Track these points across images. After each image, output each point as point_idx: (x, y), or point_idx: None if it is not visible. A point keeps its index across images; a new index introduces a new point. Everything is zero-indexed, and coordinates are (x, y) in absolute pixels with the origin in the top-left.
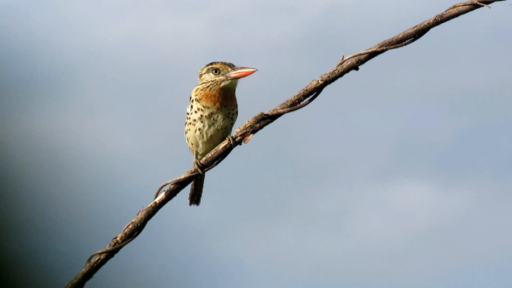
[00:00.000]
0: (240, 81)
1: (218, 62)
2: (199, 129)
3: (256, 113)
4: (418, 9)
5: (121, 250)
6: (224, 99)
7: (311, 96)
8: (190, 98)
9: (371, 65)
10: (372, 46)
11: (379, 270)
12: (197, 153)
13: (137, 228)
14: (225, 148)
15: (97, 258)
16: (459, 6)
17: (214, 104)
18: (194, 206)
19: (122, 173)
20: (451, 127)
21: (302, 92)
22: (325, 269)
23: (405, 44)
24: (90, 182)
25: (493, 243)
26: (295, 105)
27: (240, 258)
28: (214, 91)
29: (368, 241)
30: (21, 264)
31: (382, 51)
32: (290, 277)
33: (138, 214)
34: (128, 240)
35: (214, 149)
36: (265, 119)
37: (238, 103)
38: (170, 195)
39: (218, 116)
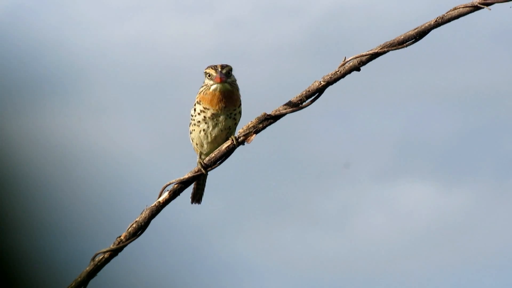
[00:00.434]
0: (243, 82)
1: (209, 67)
2: (204, 130)
3: (260, 113)
4: (419, 11)
5: (125, 249)
6: (220, 101)
7: (313, 97)
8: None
9: (374, 66)
10: (374, 47)
11: (381, 268)
12: (201, 153)
13: (141, 227)
14: (228, 148)
15: (101, 257)
16: (459, 8)
17: (213, 106)
18: (197, 205)
19: (126, 173)
20: (453, 127)
21: (304, 93)
22: (327, 267)
23: (406, 46)
24: (95, 181)
25: (495, 242)
26: (297, 105)
27: (243, 257)
28: (208, 95)
29: (370, 240)
30: (26, 262)
31: (384, 52)
32: (293, 275)
33: (142, 213)
34: (132, 239)
35: (217, 149)
36: (268, 120)
37: (242, 103)
38: (174, 194)
39: (220, 117)
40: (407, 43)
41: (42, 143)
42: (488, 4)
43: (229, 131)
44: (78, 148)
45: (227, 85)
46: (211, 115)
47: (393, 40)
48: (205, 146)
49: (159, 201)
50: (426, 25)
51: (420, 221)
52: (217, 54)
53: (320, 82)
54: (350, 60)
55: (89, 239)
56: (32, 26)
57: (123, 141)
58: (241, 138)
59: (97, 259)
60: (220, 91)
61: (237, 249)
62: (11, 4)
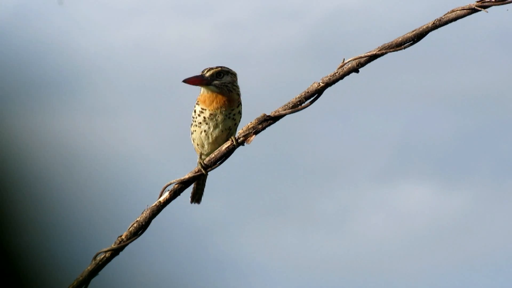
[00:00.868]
0: (243, 84)
1: (203, 70)
2: (205, 130)
3: (260, 114)
4: (417, 13)
5: (126, 248)
6: (213, 102)
7: (312, 98)
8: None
9: (374, 67)
10: (373, 49)
11: (380, 269)
12: (201, 154)
13: (142, 227)
14: (228, 148)
15: (102, 256)
16: (457, 10)
17: (207, 106)
18: (197, 206)
19: (127, 173)
20: (451, 129)
21: (303, 94)
22: (327, 268)
23: (405, 48)
24: (97, 181)
25: (493, 243)
26: (296, 106)
27: (243, 257)
28: (202, 96)
29: (370, 240)
30: (28, 261)
31: (382, 54)
32: (293, 275)
33: (142, 213)
34: (133, 238)
35: (217, 150)
36: (267, 121)
37: (244, 105)
38: (174, 194)
39: (218, 118)
40: (405, 45)
41: (44, 144)
42: (485, 7)
43: (229, 131)
44: (80, 148)
45: (212, 87)
46: (209, 116)
47: (391, 42)
48: (206, 146)
49: (159, 201)
50: (424, 27)
51: (419, 222)
52: (218, 56)
53: (319, 83)
54: (348, 61)
55: (90, 238)
56: (36, 28)
57: (124, 141)
58: (241, 138)
59: (98, 258)
60: (207, 92)
61: (237, 249)
62: (16, 6)
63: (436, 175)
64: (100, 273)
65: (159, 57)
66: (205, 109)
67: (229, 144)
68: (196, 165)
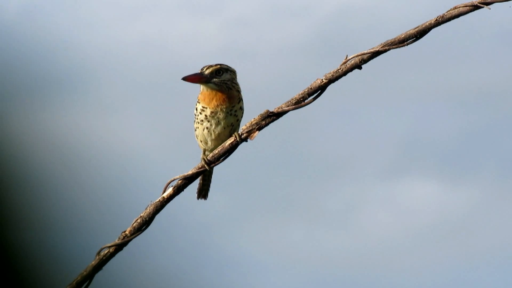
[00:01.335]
0: (249, 81)
1: (203, 67)
2: (207, 127)
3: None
4: (420, 10)
5: (129, 244)
6: (212, 99)
7: (315, 94)
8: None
9: (379, 64)
10: (375, 46)
11: (385, 265)
12: (205, 150)
13: (146, 222)
14: (232, 144)
15: (106, 251)
16: (459, 7)
17: (207, 104)
18: (202, 201)
19: (131, 169)
20: (457, 125)
21: (306, 90)
22: (332, 264)
23: (407, 44)
24: (101, 177)
25: (498, 239)
26: (299, 103)
27: (248, 253)
28: (202, 94)
29: (375, 237)
30: (33, 256)
31: (385, 50)
32: (298, 271)
33: (146, 208)
34: (137, 234)
35: (221, 146)
36: (271, 117)
37: (248, 101)
38: (178, 190)
39: (220, 115)
40: (408, 41)
41: (50, 140)
42: (487, 4)
43: (231, 128)
44: (85, 144)
45: (211, 85)
46: (210, 114)
47: (394, 38)
48: (209, 143)
49: (163, 197)
50: (427, 24)
51: (424, 218)
52: (225, 53)
53: (322, 80)
54: (351, 58)
55: (94, 233)
56: (43, 25)
57: (129, 138)
58: (244, 134)
59: (102, 253)
60: (207, 90)
61: (242, 245)
62: (24, 3)
63: (441, 171)
64: (104, 268)
65: (167, 54)
66: (206, 107)
67: (233, 140)
68: (200, 161)
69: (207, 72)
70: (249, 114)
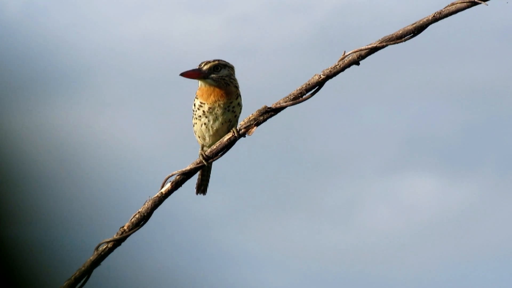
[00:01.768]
0: (251, 77)
1: (201, 63)
2: (205, 123)
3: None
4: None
5: (128, 239)
6: (210, 95)
7: (313, 90)
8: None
9: (377, 60)
10: (373, 42)
11: (386, 261)
12: (203, 145)
13: (144, 218)
14: (230, 140)
15: (104, 247)
16: (457, 3)
17: (204, 99)
18: (200, 197)
19: (130, 164)
20: (457, 121)
21: (304, 86)
22: (333, 260)
23: (405, 40)
24: (99, 173)
25: (498, 235)
26: (297, 98)
27: (247, 248)
28: (200, 90)
29: (376, 232)
30: (31, 251)
31: (383, 46)
32: (298, 267)
33: (144, 204)
34: (135, 229)
35: (219, 141)
36: (269, 112)
37: (248, 97)
38: (176, 185)
39: (218, 110)
40: (406, 37)
41: (50, 136)
42: (485, 0)
43: (229, 123)
44: (83, 140)
45: (209, 81)
46: (208, 109)
47: (392, 34)
48: (208, 139)
49: (161, 192)
50: (424, 20)
51: (425, 214)
52: (227, 50)
53: (320, 75)
54: (349, 54)
55: (93, 229)
56: (44, 24)
57: (129, 134)
58: (242, 130)
59: (100, 248)
60: (205, 86)
61: (241, 241)
62: (24, 2)
63: (442, 167)
64: (102, 263)
65: (169, 51)
66: (204, 103)
67: (231, 135)
68: (198, 156)
69: (205, 68)
70: (248, 110)
